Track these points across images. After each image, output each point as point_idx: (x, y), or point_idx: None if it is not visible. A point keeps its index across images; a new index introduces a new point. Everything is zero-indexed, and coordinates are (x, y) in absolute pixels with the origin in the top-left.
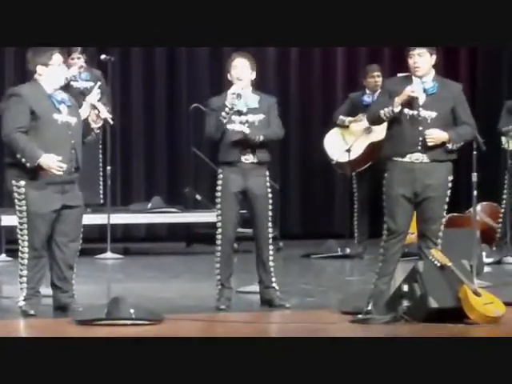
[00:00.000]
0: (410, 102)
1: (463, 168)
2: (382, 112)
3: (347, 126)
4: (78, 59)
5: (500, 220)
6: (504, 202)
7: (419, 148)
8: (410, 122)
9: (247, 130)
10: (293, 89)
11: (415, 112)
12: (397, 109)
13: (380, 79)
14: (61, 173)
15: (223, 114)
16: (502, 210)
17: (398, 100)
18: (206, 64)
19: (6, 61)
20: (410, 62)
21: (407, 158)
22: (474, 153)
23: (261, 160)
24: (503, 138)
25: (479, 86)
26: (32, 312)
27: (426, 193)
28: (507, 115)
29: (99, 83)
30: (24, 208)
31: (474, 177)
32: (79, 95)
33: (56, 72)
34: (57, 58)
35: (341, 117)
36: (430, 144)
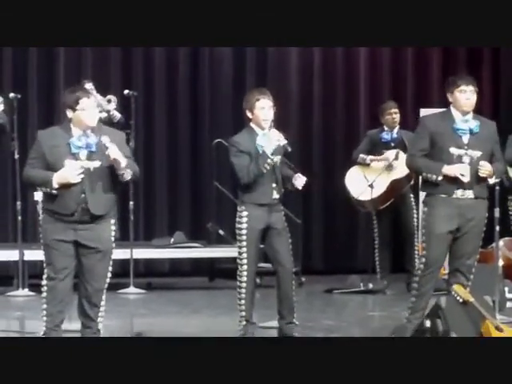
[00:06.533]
0: (457, 142)
1: None
2: (424, 174)
3: (368, 164)
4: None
5: None
6: None
7: (465, 185)
8: (456, 161)
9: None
10: (315, 124)
11: (462, 152)
12: (440, 178)
13: (397, 116)
14: (79, 179)
15: (269, 161)
16: None
17: (444, 171)
18: (228, 99)
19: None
20: (461, 96)
21: (454, 195)
22: (497, 188)
23: (281, 196)
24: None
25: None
26: None
27: (466, 228)
28: None
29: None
30: (42, 241)
31: (497, 212)
32: None
33: (82, 117)
34: (84, 102)
35: (361, 155)
36: (481, 175)
